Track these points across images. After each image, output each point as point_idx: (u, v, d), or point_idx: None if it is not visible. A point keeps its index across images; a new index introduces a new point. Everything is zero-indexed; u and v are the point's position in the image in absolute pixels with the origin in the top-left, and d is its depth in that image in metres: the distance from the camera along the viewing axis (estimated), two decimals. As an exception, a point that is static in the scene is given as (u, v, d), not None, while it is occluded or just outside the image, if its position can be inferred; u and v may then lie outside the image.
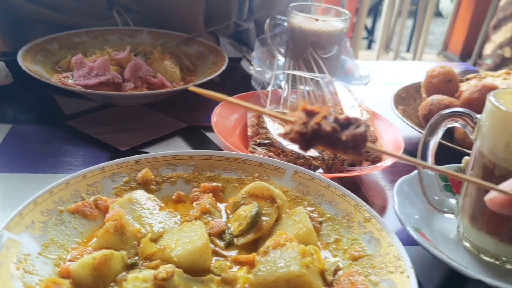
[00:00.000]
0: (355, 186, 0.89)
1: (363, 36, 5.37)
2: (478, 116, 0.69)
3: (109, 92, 1.02)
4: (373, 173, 0.93)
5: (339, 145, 0.43)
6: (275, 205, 0.69)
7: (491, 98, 0.66)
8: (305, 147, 0.43)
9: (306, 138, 0.43)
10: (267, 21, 1.25)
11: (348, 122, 0.43)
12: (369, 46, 5.83)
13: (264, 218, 0.67)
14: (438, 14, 7.09)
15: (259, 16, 1.57)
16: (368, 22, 5.79)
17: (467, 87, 1.02)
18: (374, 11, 5.70)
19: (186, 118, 1.08)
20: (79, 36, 1.29)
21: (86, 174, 0.70)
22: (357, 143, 0.42)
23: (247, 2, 1.48)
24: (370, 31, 5.80)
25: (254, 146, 0.89)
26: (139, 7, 1.36)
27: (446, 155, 0.89)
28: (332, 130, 0.42)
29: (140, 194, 0.69)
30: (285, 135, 0.44)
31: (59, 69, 1.15)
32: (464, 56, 5.27)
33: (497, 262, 0.70)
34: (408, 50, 5.55)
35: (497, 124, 0.65)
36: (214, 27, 1.42)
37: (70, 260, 0.59)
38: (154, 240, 0.63)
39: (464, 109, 0.71)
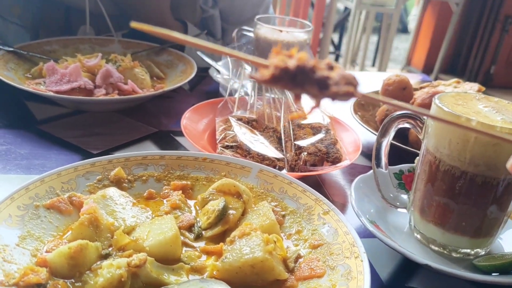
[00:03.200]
0: (317, 185, 0.95)
1: (330, 50, 5.52)
2: (425, 117, 0.76)
3: (81, 97, 1.05)
4: (333, 173, 0.99)
5: (330, 83, 0.38)
6: (241, 200, 0.74)
7: (436, 100, 0.73)
8: (291, 85, 0.39)
9: (290, 75, 0.38)
10: (235, 31, 1.31)
11: (332, 66, 0.39)
12: (336, 61, 5.98)
13: (231, 211, 0.71)
14: (402, 30, 7.35)
15: (223, 5, 1.66)
16: (335, 37, 5.95)
17: (420, 94, 1.10)
18: (341, 27, 5.88)
19: (156, 123, 1.12)
20: (50, 44, 1.32)
21: (60, 172, 0.73)
22: (350, 81, 0.39)
23: None
24: (337, 46, 5.96)
25: (222, 148, 0.94)
26: None
27: (401, 156, 0.97)
28: (318, 68, 0.38)
29: (113, 191, 0.73)
30: (262, 76, 0.39)
31: (30, 76, 1.17)
32: (426, 70, 5.48)
33: (445, 251, 0.77)
34: (373, 65, 5.73)
35: (441, 124, 0.72)
36: (181, 14, 1.47)
37: (46, 251, 0.62)
38: (127, 232, 0.67)
39: (413, 111, 0.78)
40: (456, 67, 5.36)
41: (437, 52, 5.27)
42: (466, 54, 5.35)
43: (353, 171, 1.01)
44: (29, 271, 0.56)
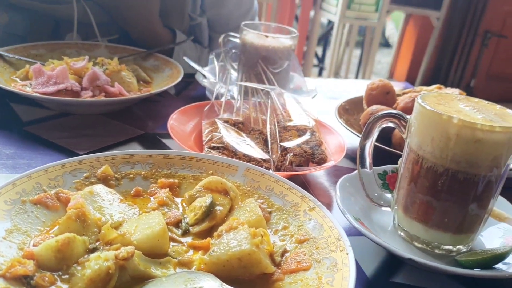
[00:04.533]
0: (303, 186, 0.95)
1: (314, 63, 5.59)
2: (408, 116, 0.78)
3: (67, 98, 1.05)
4: (318, 174, 1.01)
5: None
6: (228, 197, 0.74)
7: (418, 100, 0.75)
8: None
9: None
10: (221, 37, 1.32)
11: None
12: (319, 74, 6.05)
13: (218, 208, 0.72)
14: (385, 44, 7.48)
15: (210, 14, 1.68)
16: (319, 50, 6.03)
17: (403, 98, 1.12)
18: (324, 40, 5.95)
19: (143, 126, 1.13)
20: (36, 48, 1.32)
21: (47, 169, 0.73)
22: None
23: None
24: (321, 59, 6.03)
25: (209, 149, 0.94)
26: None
27: (385, 157, 0.98)
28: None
29: (100, 188, 0.73)
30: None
31: (17, 78, 1.17)
32: (409, 83, 5.56)
33: (428, 248, 0.78)
34: (356, 77, 5.79)
35: (424, 122, 0.74)
36: (170, 22, 1.49)
37: (33, 245, 0.62)
38: (114, 227, 0.67)
39: (397, 111, 0.80)
40: (438, 80, 5.46)
41: (419, 65, 5.36)
42: (447, 68, 5.46)
43: (337, 173, 1.02)
44: (16, 263, 0.56)
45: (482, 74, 5.36)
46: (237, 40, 1.29)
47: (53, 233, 0.64)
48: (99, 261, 0.57)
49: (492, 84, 5.40)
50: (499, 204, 0.86)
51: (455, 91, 1.15)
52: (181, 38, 1.53)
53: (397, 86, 1.77)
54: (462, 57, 5.32)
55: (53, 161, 0.74)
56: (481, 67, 5.30)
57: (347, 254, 0.63)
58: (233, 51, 1.25)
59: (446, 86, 1.24)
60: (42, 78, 1.08)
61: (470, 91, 5.31)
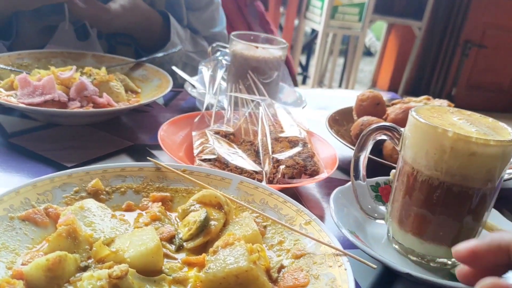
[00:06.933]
0: (295, 198, 0.94)
1: (298, 72, 5.61)
2: (402, 129, 0.78)
3: (54, 109, 1.03)
4: (310, 186, 1.00)
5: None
6: (223, 211, 0.73)
7: (412, 113, 0.75)
8: None
9: None
10: (210, 47, 1.31)
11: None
12: (303, 82, 6.07)
13: (212, 222, 0.71)
14: (368, 53, 7.56)
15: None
16: (303, 59, 6.06)
17: (393, 110, 1.12)
18: (308, 49, 5.99)
19: (131, 137, 1.11)
20: (21, 57, 1.29)
21: (36, 183, 0.71)
22: None
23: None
24: (305, 68, 6.06)
25: (200, 161, 0.93)
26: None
27: (376, 169, 0.98)
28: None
29: (91, 203, 0.71)
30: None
31: (1, 89, 1.14)
32: (391, 91, 5.62)
33: (423, 261, 0.78)
34: (340, 86, 5.84)
35: (418, 135, 0.74)
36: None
37: (22, 264, 0.60)
38: (106, 244, 0.65)
39: (390, 124, 0.80)
40: (420, 89, 5.53)
41: (401, 74, 5.44)
42: (428, 77, 5.53)
43: (330, 185, 1.02)
44: (5, 284, 0.54)
45: (462, 83, 5.44)
46: (227, 50, 1.29)
47: (43, 251, 0.62)
48: (92, 281, 0.55)
49: (473, 93, 5.49)
50: (491, 215, 0.86)
51: (444, 102, 1.16)
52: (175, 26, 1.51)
53: (384, 96, 1.78)
54: (443, 66, 5.41)
55: (41, 174, 0.72)
56: (462, 77, 5.39)
57: (345, 269, 0.62)
58: (224, 61, 1.24)
59: (428, 94, 1.25)
60: (28, 88, 1.06)
61: (451, 100, 5.35)
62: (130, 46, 1.54)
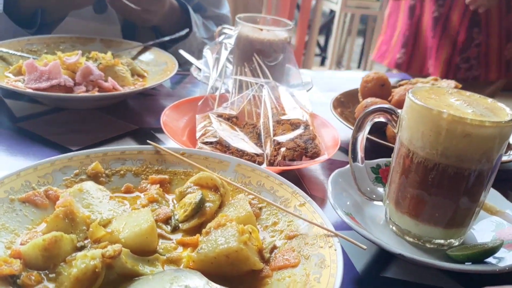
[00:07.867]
0: (296, 180, 0.96)
1: (316, 53, 5.56)
2: (399, 111, 0.78)
3: (61, 94, 1.05)
4: (312, 168, 1.01)
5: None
6: (219, 193, 0.74)
7: (409, 94, 0.74)
8: None
9: None
10: (217, 28, 1.32)
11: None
12: (322, 63, 6.02)
13: (207, 204, 0.72)
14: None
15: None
16: (321, 39, 5.99)
17: (398, 91, 1.11)
18: (326, 29, 5.92)
19: (137, 121, 1.13)
20: (31, 43, 1.31)
21: (37, 166, 0.73)
22: None
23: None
24: (323, 48, 6.00)
25: (202, 144, 0.94)
26: None
27: (379, 151, 0.98)
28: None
29: (90, 185, 0.73)
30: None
31: (10, 74, 1.17)
32: (407, 74, 5.52)
33: (419, 242, 0.78)
34: (358, 67, 5.77)
35: (414, 117, 0.73)
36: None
37: (21, 244, 0.62)
38: (103, 225, 0.67)
39: (389, 105, 0.80)
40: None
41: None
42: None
43: (332, 166, 1.02)
44: (2, 263, 0.56)
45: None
46: (232, 33, 1.28)
47: (41, 231, 0.64)
48: (86, 260, 0.57)
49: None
50: (491, 197, 0.85)
51: (451, 83, 1.14)
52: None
53: (394, 77, 1.76)
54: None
55: (46, 158, 0.74)
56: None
57: (335, 250, 0.62)
58: (228, 44, 1.24)
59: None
60: (35, 73, 1.08)
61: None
62: None
